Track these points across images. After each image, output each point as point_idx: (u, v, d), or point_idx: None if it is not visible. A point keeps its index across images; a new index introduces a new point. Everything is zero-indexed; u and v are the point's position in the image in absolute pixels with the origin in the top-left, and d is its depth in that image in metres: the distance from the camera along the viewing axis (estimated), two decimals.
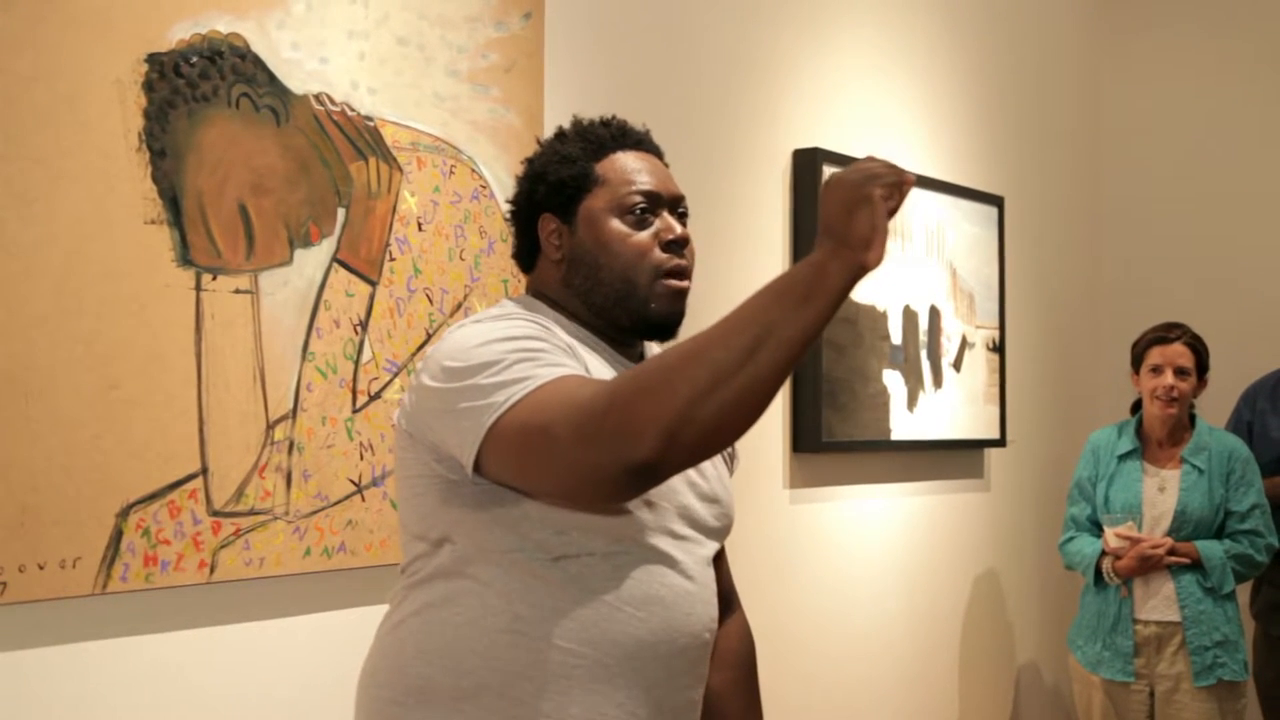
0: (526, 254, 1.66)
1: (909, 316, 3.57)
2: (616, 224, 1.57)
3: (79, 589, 1.85)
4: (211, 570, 2.00)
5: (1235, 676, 3.40)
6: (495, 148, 2.45)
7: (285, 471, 2.11)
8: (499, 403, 1.40)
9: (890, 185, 1.29)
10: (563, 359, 1.45)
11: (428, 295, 2.33)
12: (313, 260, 2.16)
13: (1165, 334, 3.53)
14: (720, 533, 1.66)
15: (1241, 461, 3.48)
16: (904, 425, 3.56)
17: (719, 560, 1.76)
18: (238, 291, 2.05)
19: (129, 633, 1.94)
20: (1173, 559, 3.39)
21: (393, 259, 2.28)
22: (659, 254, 1.57)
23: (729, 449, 1.75)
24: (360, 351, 2.22)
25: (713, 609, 1.61)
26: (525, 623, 1.49)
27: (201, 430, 2.00)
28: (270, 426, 2.09)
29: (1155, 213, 4.68)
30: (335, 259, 2.19)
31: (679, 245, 1.58)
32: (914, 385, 3.60)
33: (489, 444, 1.41)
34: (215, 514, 2.01)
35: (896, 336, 3.51)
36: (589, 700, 1.49)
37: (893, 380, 3.50)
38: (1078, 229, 4.63)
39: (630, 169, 1.60)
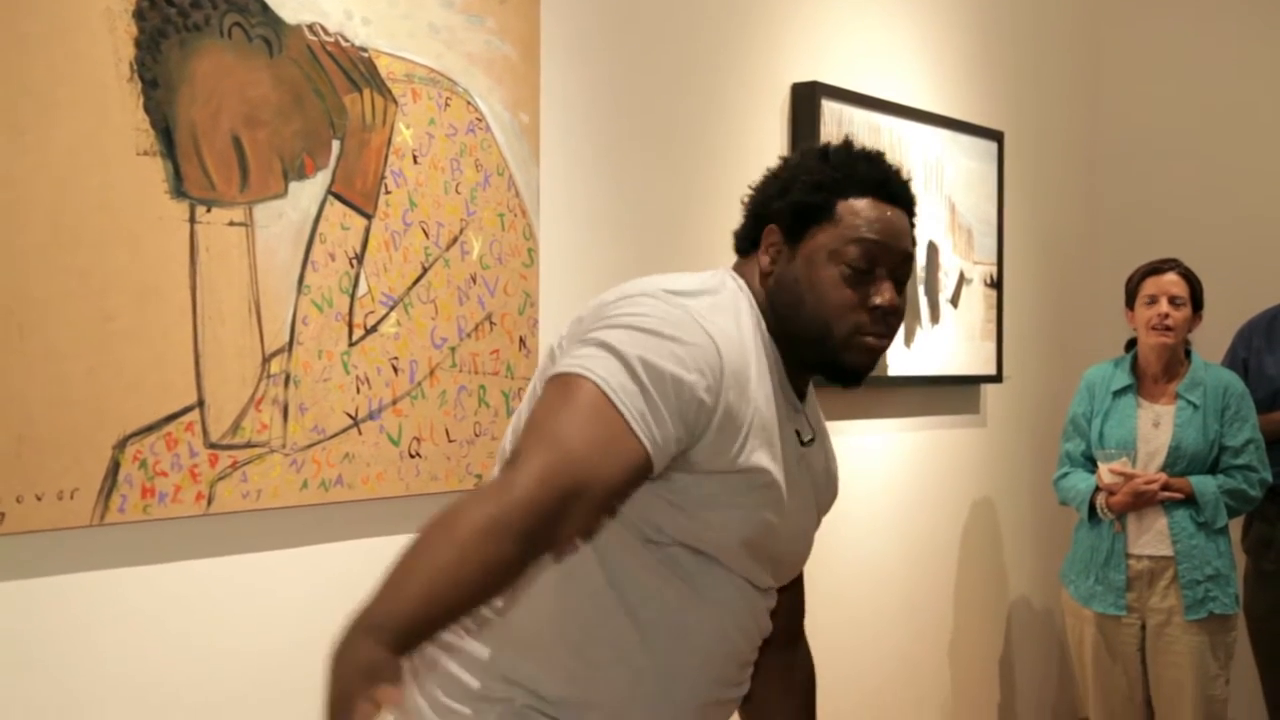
0: (746, 243, 1.63)
1: None
2: (831, 270, 1.54)
3: (77, 520, 1.86)
4: (209, 502, 2.01)
5: (1226, 610, 3.43)
6: (490, 80, 2.43)
7: (282, 405, 2.11)
8: (584, 365, 1.41)
9: None
10: (653, 419, 1.41)
11: (423, 229, 2.32)
12: (307, 193, 2.14)
13: (1159, 265, 3.54)
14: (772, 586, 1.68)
15: (1236, 396, 3.48)
16: (901, 361, 3.56)
17: (796, 591, 1.81)
18: (232, 224, 2.04)
19: (127, 563, 1.95)
20: (1166, 494, 3.40)
21: (388, 192, 2.26)
22: (861, 316, 1.54)
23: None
24: (356, 285, 2.22)
25: (760, 633, 1.66)
26: (618, 592, 1.51)
27: (197, 363, 2.00)
28: (266, 359, 2.09)
29: (1154, 150, 4.65)
30: (330, 192, 2.17)
31: (884, 313, 1.55)
32: (911, 321, 3.60)
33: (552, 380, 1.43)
34: (212, 446, 2.02)
35: None
36: (664, 689, 1.53)
37: None
38: (1077, 165, 4.61)
39: (865, 217, 1.55)
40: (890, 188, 1.59)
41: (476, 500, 1.31)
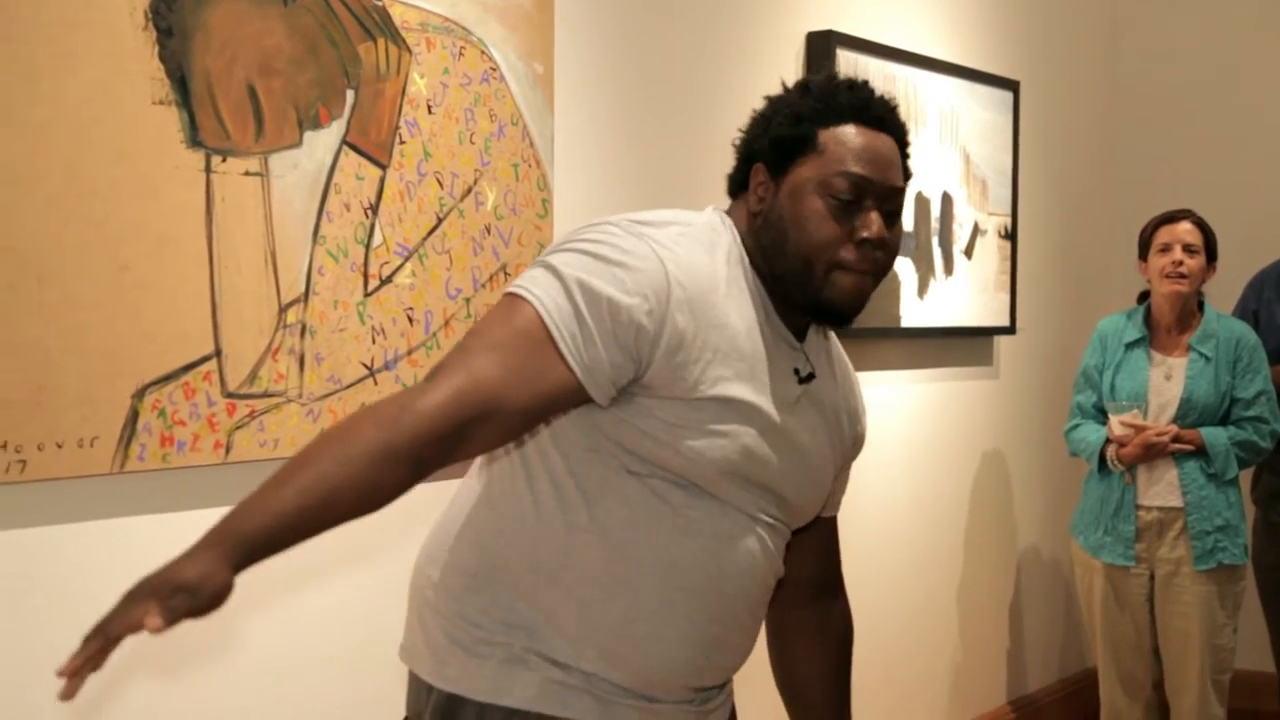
0: (736, 185, 1.61)
1: (921, 203, 3.54)
2: (817, 203, 1.49)
3: (97, 468, 1.87)
4: (227, 451, 2.02)
5: (1235, 560, 3.45)
6: (504, 29, 2.41)
7: (298, 354, 2.11)
8: (527, 286, 1.43)
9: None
10: (584, 341, 1.41)
11: (438, 179, 2.31)
12: (322, 143, 2.14)
13: (1173, 215, 3.53)
14: (784, 525, 1.64)
15: (1249, 348, 3.47)
16: (914, 312, 3.55)
17: (824, 538, 1.77)
18: (248, 174, 2.04)
19: (146, 511, 1.96)
20: (1177, 446, 3.40)
21: (402, 142, 2.25)
22: (848, 250, 1.49)
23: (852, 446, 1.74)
24: (371, 235, 2.21)
25: (771, 571, 1.62)
26: (602, 527, 1.49)
27: (214, 313, 2.00)
28: (282, 309, 2.09)
29: (1170, 102, 4.61)
30: (345, 142, 2.17)
31: (872, 245, 1.50)
32: (925, 272, 3.59)
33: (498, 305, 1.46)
34: (229, 396, 2.03)
35: (908, 223, 3.49)
36: (657, 626, 1.51)
37: (903, 267, 3.49)
38: (1093, 116, 4.57)
39: (850, 148, 1.50)
40: (873, 111, 1.53)
41: (375, 418, 1.32)
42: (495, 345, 1.39)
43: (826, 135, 1.52)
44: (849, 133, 1.52)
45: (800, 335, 1.60)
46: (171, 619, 1.19)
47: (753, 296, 1.53)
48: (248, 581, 1.25)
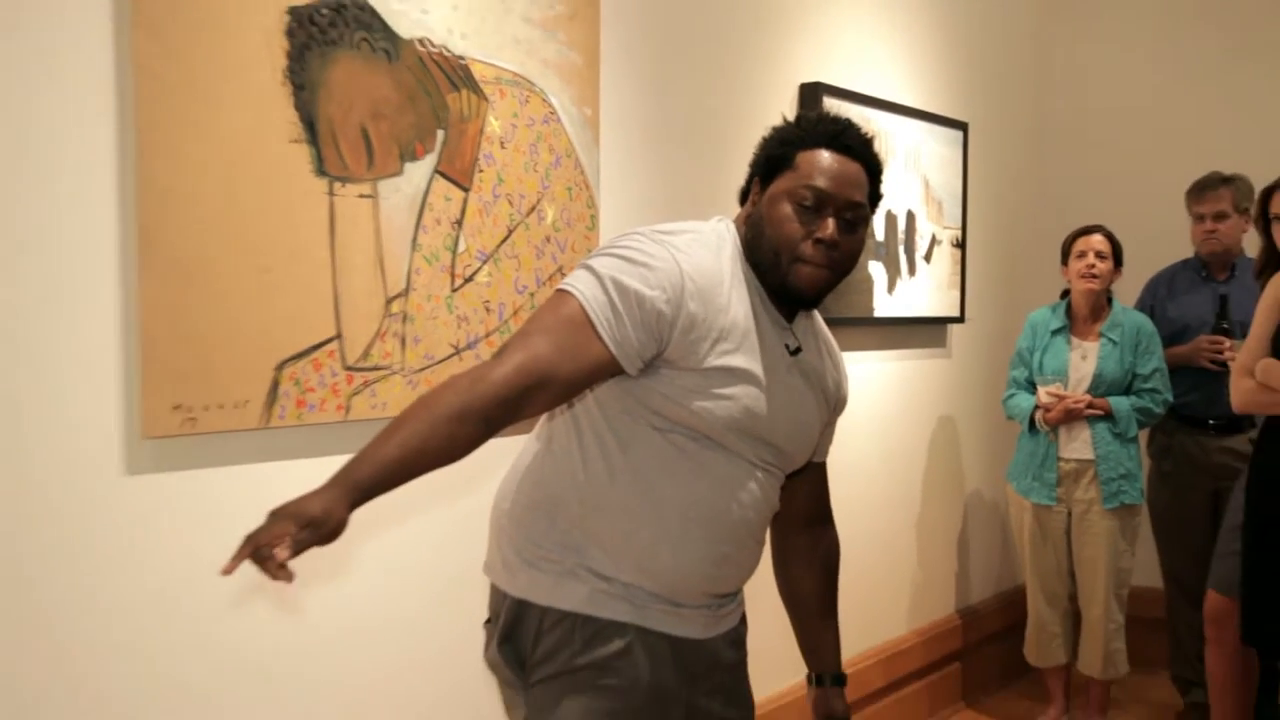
0: (744, 195, 1.62)
1: (890, 219, 3.55)
2: (786, 208, 1.51)
3: (248, 424, 1.91)
4: (347, 412, 2.06)
5: (1133, 501, 3.46)
6: (561, 81, 2.44)
7: (401, 337, 2.15)
8: (573, 283, 1.46)
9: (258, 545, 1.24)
10: (616, 325, 1.43)
11: (508, 200, 2.34)
12: (419, 172, 2.17)
13: (1088, 228, 3.54)
14: (777, 468, 1.64)
15: (1147, 335, 3.48)
16: (884, 305, 3.56)
17: (815, 479, 1.77)
18: (361, 197, 2.07)
19: (286, 458, 2.00)
20: (1090, 411, 3.42)
21: (481, 170, 2.28)
22: (807, 245, 1.51)
23: (835, 403, 1.72)
24: (457, 244, 2.24)
25: (768, 505, 1.62)
26: (635, 471, 1.51)
27: (336, 305, 2.04)
28: (388, 302, 2.12)
29: (1088, 140, 4.59)
30: (436, 170, 2.20)
31: (825, 244, 1.51)
32: (893, 273, 3.60)
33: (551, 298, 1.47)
34: (348, 369, 2.06)
35: (880, 234, 3.50)
36: (677, 547, 1.53)
37: (876, 269, 3.50)
38: (1026, 151, 4.55)
39: (818, 167, 1.51)
40: (843, 140, 1.53)
41: (455, 387, 1.35)
42: (547, 329, 1.41)
43: (802, 156, 1.53)
44: (821, 155, 1.52)
45: (789, 318, 1.61)
46: (298, 550, 1.23)
47: (750, 287, 1.54)
48: (367, 518, 1.28)
